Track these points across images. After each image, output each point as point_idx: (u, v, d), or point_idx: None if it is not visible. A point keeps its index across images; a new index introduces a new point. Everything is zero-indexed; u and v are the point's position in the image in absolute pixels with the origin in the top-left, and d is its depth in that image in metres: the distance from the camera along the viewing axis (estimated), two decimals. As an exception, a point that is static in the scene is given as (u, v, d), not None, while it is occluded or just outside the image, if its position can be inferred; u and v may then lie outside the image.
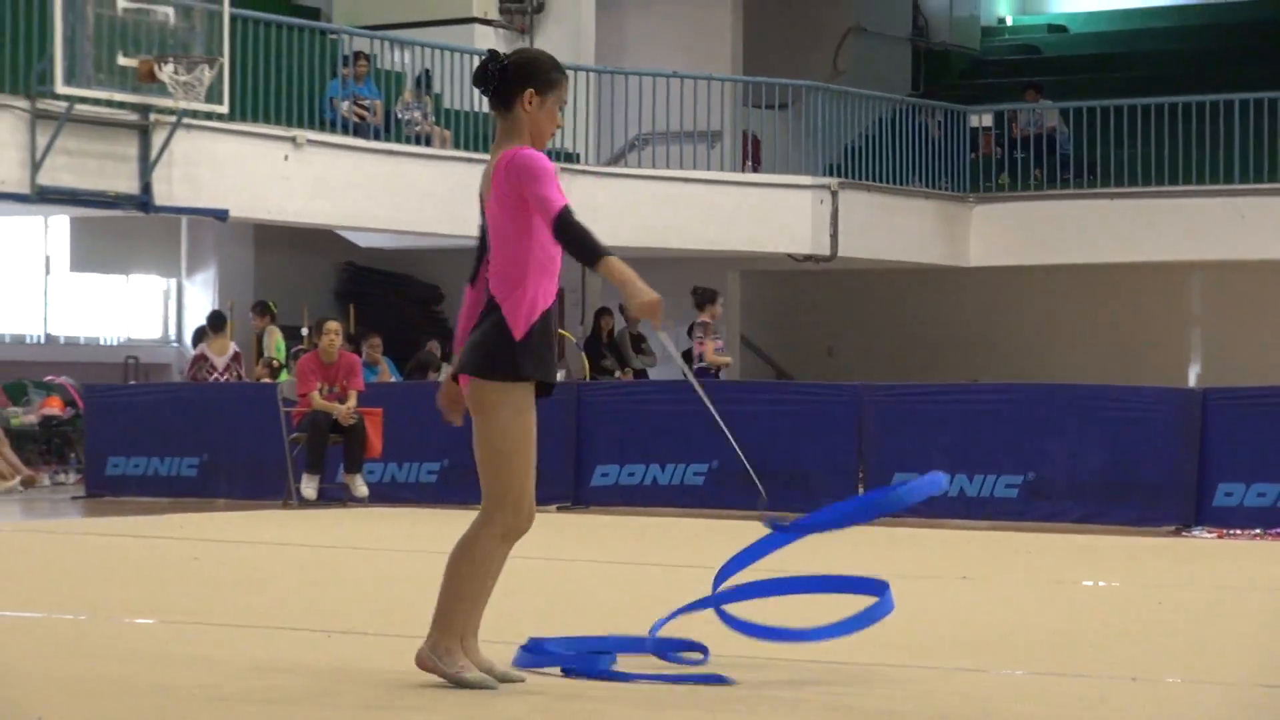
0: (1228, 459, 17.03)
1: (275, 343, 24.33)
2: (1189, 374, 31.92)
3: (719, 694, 7.52)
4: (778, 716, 7.12)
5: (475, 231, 7.74)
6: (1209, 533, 16.59)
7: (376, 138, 24.88)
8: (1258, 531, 16.47)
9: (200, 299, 28.14)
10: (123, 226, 26.15)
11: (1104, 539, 16.10)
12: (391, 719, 6.94)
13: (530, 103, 7.55)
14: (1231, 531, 16.55)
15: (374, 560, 13.72)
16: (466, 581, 7.49)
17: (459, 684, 7.42)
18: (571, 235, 7.34)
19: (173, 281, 28.59)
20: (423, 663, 7.53)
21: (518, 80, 7.60)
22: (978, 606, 10.98)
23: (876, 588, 8.19)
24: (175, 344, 27.85)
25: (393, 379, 24.01)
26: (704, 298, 21.61)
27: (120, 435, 20.73)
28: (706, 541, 15.24)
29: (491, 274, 7.52)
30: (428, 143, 25.34)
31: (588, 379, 25.14)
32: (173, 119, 22.06)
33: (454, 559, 7.50)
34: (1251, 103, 28.32)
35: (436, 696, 7.31)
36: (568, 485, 18.89)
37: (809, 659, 8.54)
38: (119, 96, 21.55)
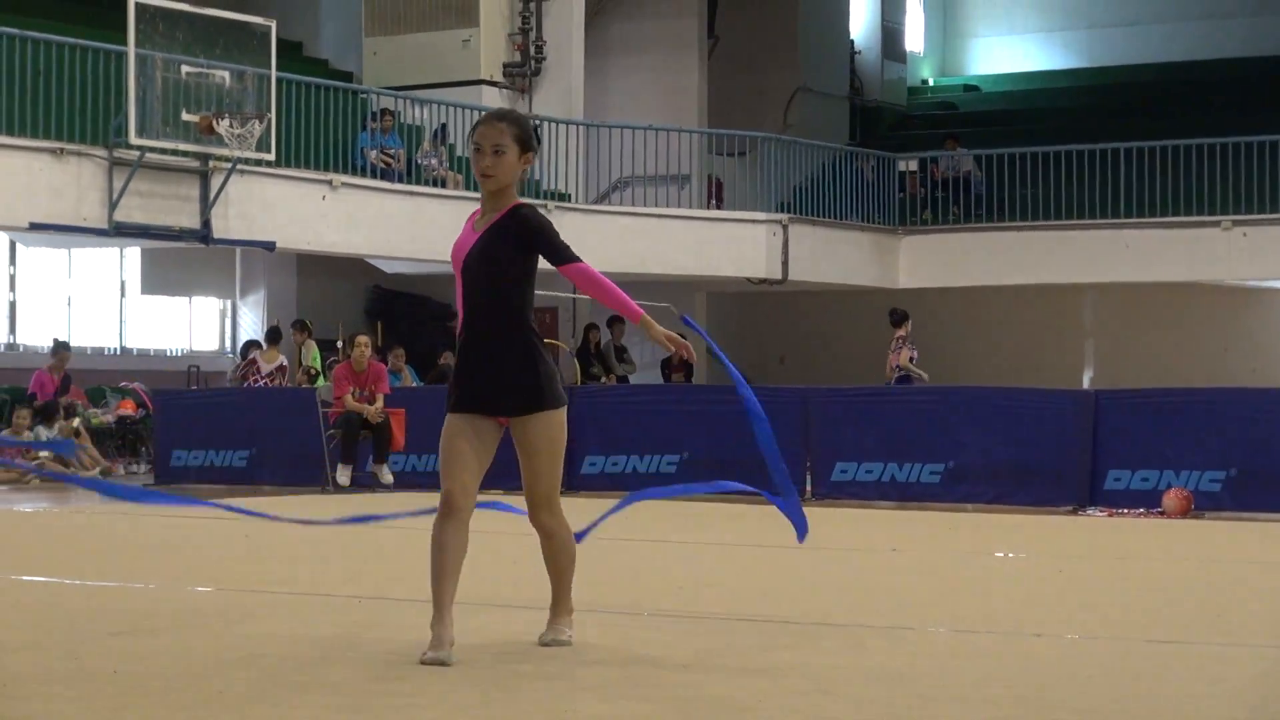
0: (1116, 449, 17.02)
1: (312, 354, 24.30)
2: (1083, 378, 31.93)
3: (667, 658, 7.49)
4: (720, 673, 7.08)
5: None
6: (1101, 512, 16.58)
7: (400, 181, 24.87)
8: (1142, 510, 16.46)
9: (251, 318, 28.12)
10: (186, 256, 26.12)
11: (1012, 517, 16.08)
12: (408, 671, 6.90)
13: None
14: (1120, 510, 16.55)
15: (397, 537, 13.67)
16: (432, 559, 7.21)
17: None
18: None
19: (228, 302, 28.55)
20: None
21: None
22: (906, 574, 10.96)
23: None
24: (230, 355, 27.80)
25: (414, 384, 23.96)
26: (900, 317, 22.21)
27: (183, 432, 20.67)
28: (677, 520, 15.23)
29: None
30: (443, 185, 25.31)
31: (579, 384, 25.08)
32: (228, 165, 22.05)
33: None
34: (1134, 151, 28.40)
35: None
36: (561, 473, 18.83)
37: (746, 617, 8.51)
38: (183, 146, 21.56)
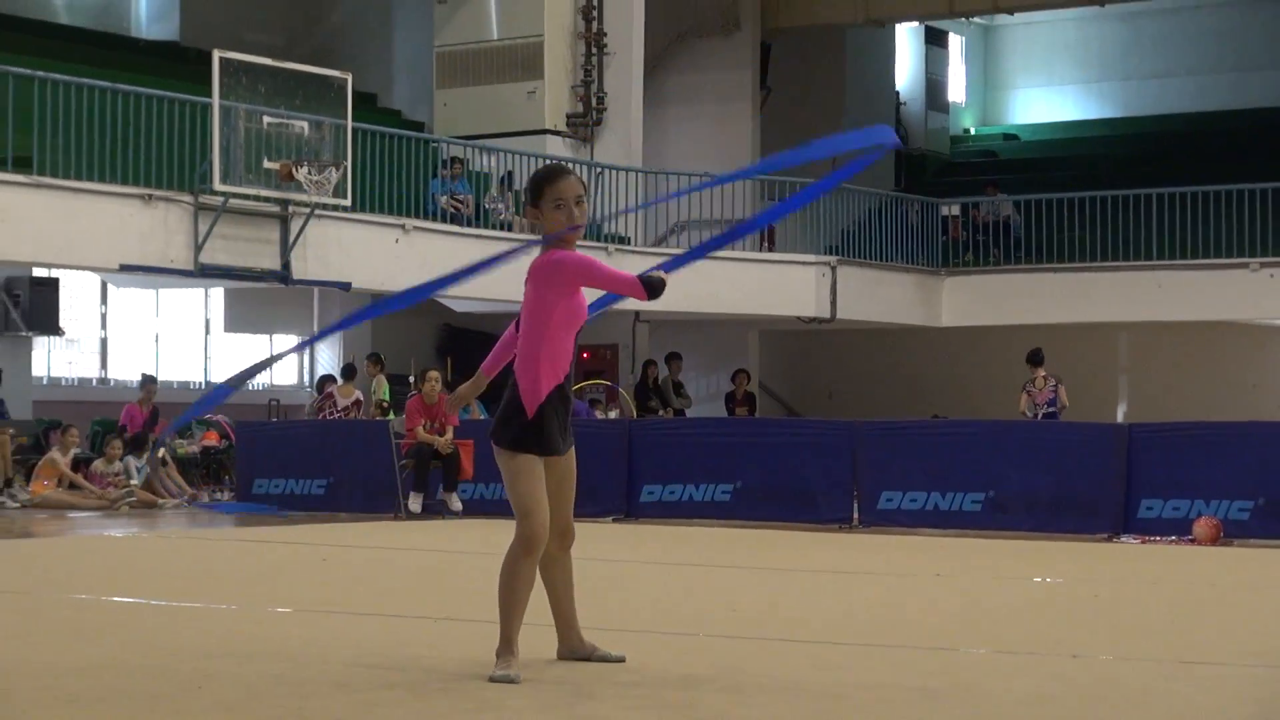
0: (1149, 480, 16.93)
1: (383, 388, 24.39)
2: (1118, 412, 31.81)
3: (722, 677, 7.49)
4: (766, 693, 7.07)
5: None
6: (1134, 539, 16.49)
7: (469, 225, 24.95)
8: (1173, 538, 16.36)
9: (328, 354, 28.22)
10: (267, 296, 26.25)
11: (1050, 544, 16.00)
12: (472, 687, 6.93)
13: (533, 215, 7.32)
14: (1152, 538, 16.46)
15: (466, 562, 13.71)
16: (504, 590, 7.26)
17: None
18: (656, 289, 7.01)
19: (306, 340, 28.68)
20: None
21: (524, 201, 7.55)
22: (949, 598, 10.92)
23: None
24: (308, 390, 27.91)
25: (481, 417, 24.00)
26: (1041, 357, 22.53)
27: (264, 461, 20.72)
28: (732, 546, 15.21)
29: (518, 350, 7.22)
30: (509, 229, 25.39)
31: (635, 416, 25.12)
32: (307, 210, 22.17)
33: (500, 575, 7.29)
34: (1166, 196, 28.33)
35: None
36: (621, 501, 18.81)
37: (791, 638, 8.50)
38: (264, 192, 21.68)
